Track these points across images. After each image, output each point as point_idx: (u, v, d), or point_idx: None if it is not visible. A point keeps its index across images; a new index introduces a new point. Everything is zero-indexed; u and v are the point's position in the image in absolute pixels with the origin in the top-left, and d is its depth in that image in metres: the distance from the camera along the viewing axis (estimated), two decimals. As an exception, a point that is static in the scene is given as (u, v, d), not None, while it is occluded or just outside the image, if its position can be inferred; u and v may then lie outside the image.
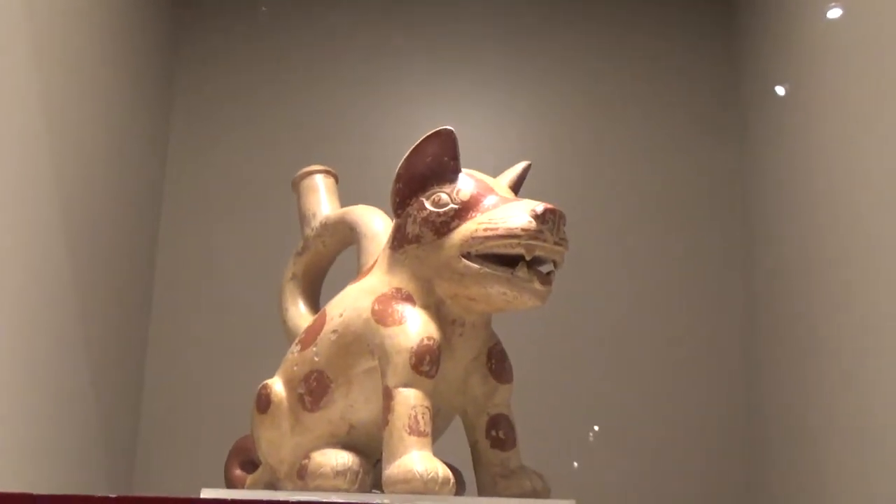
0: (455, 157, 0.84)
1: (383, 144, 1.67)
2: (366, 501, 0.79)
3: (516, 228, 0.78)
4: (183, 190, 1.75)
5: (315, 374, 0.85)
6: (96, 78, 1.41)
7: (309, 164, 1.10)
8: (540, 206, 0.78)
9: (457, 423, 0.89)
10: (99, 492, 1.22)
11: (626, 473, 1.59)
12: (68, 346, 1.31)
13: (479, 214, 0.81)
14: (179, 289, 1.70)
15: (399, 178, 0.84)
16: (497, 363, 0.87)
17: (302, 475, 0.84)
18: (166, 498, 0.70)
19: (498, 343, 0.88)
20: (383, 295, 0.83)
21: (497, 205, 0.81)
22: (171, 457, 1.61)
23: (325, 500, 0.78)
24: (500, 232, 0.78)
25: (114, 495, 0.68)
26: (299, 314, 1.04)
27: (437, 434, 0.84)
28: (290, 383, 0.87)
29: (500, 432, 0.86)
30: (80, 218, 1.34)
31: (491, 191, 0.83)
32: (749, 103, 1.67)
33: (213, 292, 1.69)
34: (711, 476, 1.60)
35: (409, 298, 0.82)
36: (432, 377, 0.79)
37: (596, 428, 1.61)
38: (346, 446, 0.84)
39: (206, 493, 0.79)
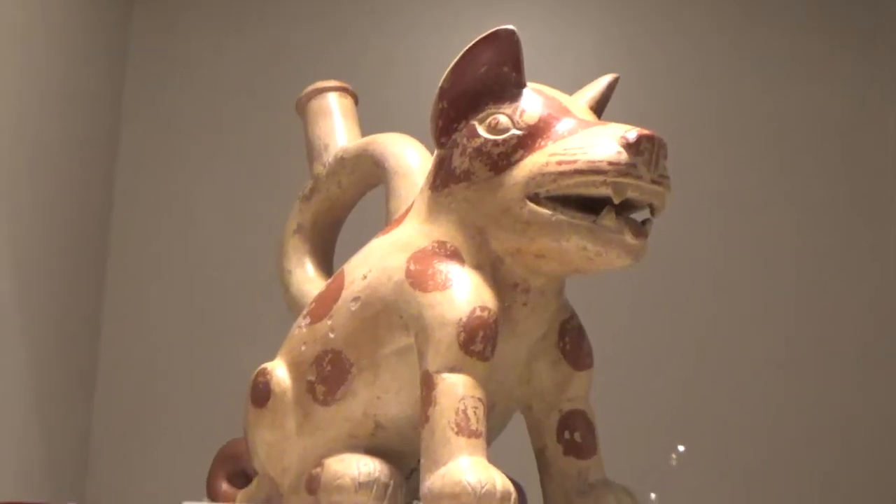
0: (518, 66, 0.83)
1: (417, 52, 1.66)
2: (399, 523, 0.79)
3: (601, 161, 0.76)
4: (146, 113, 1.75)
5: (330, 355, 0.85)
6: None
7: (318, 80, 1.09)
8: (633, 132, 0.77)
9: (518, 422, 0.89)
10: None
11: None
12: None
13: (550, 143, 0.79)
14: (143, 248, 1.71)
15: (443, 94, 0.83)
16: (572, 343, 0.86)
17: (313, 488, 0.84)
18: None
19: (573, 317, 0.88)
20: (421, 251, 0.82)
21: (574, 130, 0.80)
22: (135, 465, 1.63)
23: (344, 522, 0.78)
24: (578, 166, 0.77)
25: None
26: (307, 277, 1.04)
27: (492, 435, 0.84)
28: (296, 368, 0.87)
29: (575, 434, 0.86)
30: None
31: (566, 112, 0.82)
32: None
33: (191, 251, 1.70)
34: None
35: (455, 255, 0.81)
36: (487, 360, 0.78)
37: (681, 448, 1.60)
38: (372, 451, 0.84)
39: (185, 511, 0.80)
